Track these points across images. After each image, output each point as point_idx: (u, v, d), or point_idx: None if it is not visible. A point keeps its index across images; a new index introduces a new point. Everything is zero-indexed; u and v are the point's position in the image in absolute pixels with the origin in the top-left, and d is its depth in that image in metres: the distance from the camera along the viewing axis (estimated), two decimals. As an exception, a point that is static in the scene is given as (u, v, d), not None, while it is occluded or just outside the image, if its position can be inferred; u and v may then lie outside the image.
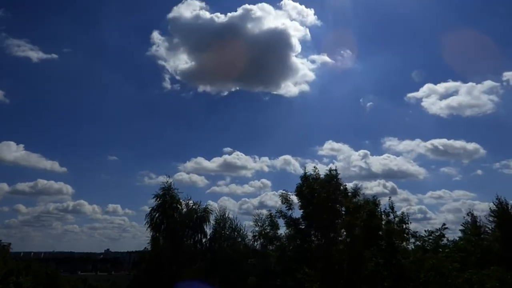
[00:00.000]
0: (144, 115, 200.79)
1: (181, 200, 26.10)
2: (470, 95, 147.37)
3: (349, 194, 19.59)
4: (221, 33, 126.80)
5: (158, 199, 25.60)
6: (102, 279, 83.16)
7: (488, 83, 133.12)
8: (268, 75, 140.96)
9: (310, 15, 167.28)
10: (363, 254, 17.38)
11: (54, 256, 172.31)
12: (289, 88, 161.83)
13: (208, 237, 26.28)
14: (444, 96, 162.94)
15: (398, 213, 19.26)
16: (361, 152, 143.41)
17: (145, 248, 25.87)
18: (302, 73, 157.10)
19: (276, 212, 20.79)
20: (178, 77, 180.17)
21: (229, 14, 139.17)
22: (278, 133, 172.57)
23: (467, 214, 26.71)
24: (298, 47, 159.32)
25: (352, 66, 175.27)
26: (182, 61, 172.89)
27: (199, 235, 25.92)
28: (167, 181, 26.13)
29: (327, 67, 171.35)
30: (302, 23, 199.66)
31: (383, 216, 19.09)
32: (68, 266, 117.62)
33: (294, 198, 20.09)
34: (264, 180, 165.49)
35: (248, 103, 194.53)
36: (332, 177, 19.55)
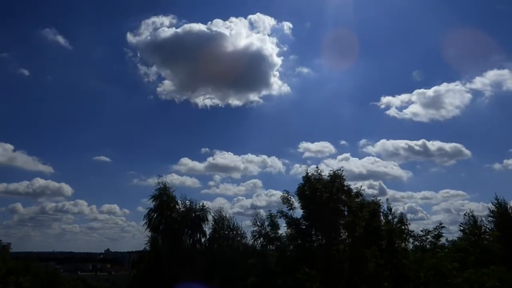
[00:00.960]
0: (132, 120, 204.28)
1: (178, 200, 26.13)
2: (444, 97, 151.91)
3: (352, 194, 19.56)
4: (199, 45, 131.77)
5: (155, 200, 25.57)
6: (102, 279, 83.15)
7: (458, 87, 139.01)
8: (243, 86, 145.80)
9: (285, 26, 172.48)
10: (364, 254, 17.38)
11: (54, 256, 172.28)
12: (263, 97, 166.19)
13: (207, 236, 26.29)
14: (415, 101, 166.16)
15: (397, 213, 19.31)
16: (344, 154, 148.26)
17: (145, 248, 25.88)
18: (276, 83, 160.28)
19: (277, 212, 20.79)
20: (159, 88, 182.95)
21: (203, 27, 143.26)
22: (259, 136, 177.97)
23: (465, 214, 26.74)
24: (274, 62, 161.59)
25: (327, 75, 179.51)
26: (161, 72, 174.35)
27: (198, 234, 25.93)
28: (162, 181, 26.17)
29: (302, 76, 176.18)
30: (276, 33, 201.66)
31: (381, 217, 19.10)
32: (68, 266, 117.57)
33: (294, 199, 20.10)
34: (255, 181, 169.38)
35: (224, 110, 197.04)
36: (336, 178, 19.52)
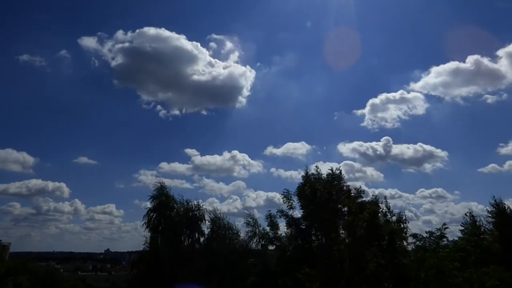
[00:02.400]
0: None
1: (176, 199, 26.11)
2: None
3: (352, 194, 19.50)
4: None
5: (154, 200, 25.55)
6: (102, 279, 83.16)
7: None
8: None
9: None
10: (364, 254, 17.35)
11: (54, 256, 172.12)
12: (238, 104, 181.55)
13: (206, 236, 26.25)
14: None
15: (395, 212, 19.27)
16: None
17: (144, 248, 25.82)
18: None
19: (276, 212, 20.76)
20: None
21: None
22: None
23: (465, 214, 26.79)
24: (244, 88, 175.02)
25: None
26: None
27: (197, 234, 25.86)
28: (161, 181, 26.20)
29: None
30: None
31: (380, 216, 19.05)
32: (68, 266, 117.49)
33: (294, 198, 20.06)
34: (239, 182, 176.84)
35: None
36: (335, 178, 19.46)
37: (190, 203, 26.16)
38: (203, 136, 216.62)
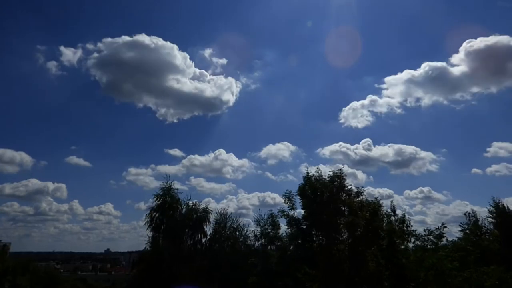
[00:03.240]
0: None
1: (180, 200, 26.11)
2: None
3: (353, 194, 19.54)
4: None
5: (158, 199, 25.58)
6: (102, 279, 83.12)
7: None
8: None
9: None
10: (364, 254, 17.40)
11: (54, 256, 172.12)
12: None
13: (208, 237, 26.28)
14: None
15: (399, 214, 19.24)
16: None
17: (145, 248, 25.85)
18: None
19: (278, 212, 20.81)
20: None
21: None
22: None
23: (465, 214, 26.87)
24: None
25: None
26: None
27: (199, 235, 25.91)
28: (168, 182, 26.13)
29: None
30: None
31: (384, 217, 19.04)
32: (68, 266, 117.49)
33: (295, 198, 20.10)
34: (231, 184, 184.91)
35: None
36: (336, 177, 19.52)
37: (196, 205, 26.23)
38: (190, 139, 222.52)
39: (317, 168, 20.23)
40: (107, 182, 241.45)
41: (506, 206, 26.28)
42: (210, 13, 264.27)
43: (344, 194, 19.39)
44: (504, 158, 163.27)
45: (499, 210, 26.27)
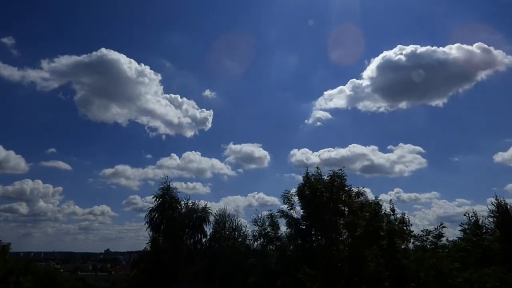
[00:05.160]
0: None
1: (180, 200, 26.10)
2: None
3: (353, 194, 19.48)
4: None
5: (157, 199, 25.55)
6: (102, 279, 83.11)
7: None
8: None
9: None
10: (364, 254, 17.34)
11: (54, 256, 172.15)
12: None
13: (208, 237, 26.27)
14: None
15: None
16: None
17: (145, 248, 25.85)
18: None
19: (277, 212, 20.75)
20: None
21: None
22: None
23: (465, 214, 26.73)
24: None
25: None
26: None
27: (199, 235, 25.91)
28: (167, 182, 26.12)
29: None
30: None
31: (384, 217, 18.95)
32: (68, 266, 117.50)
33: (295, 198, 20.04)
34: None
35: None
36: (337, 177, 19.44)
37: (195, 204, 26.23)
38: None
39: (317, 168, 20.19)
40: (105, 182, 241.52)
41: (509, 205, 26.09)
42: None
43: (344, 194, 19.31)
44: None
45: (501, 209, 26.11)
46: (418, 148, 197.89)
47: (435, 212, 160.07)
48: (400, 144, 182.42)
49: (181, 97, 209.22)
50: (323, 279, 17.09)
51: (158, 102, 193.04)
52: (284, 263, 19.71)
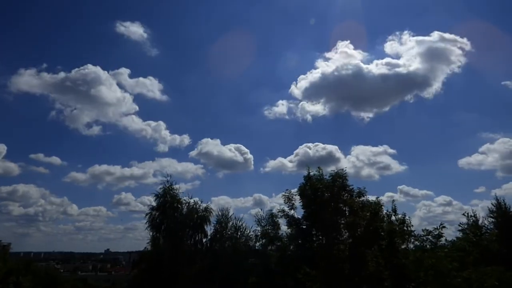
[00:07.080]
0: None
1: (181, 200, 26.07)
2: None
3: (354, 194, 19.54)
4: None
5: (158, 198, 25.56)
6: (102, 279, 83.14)
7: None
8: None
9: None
10: (365, 254, 17.42)
11: (54, 256, 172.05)
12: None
13: (209, 237, 26.28)
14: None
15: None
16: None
17: (145, 248, 25.89)
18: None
19: (278, 212, 20.82)
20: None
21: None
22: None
23: (464, 214, 26.82)
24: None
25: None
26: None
27: (200, 235, 25.92)
28: (169, 180, 26.10)
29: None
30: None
31: (385, 217, 19.01)
32: (68, 266, 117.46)
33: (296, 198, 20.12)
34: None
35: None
36: (338, 177, 19.51)
37: (197, 204, 26.20)
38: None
39: (318, 168, 20.21)
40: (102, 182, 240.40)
41: (508, 205, 26.21)
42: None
43: (346, 194, 19.38)
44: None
45: (500, 210, 26.21)
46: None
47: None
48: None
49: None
50: (324, 279, 17.17)
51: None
52: (284, 263, 19.77)
